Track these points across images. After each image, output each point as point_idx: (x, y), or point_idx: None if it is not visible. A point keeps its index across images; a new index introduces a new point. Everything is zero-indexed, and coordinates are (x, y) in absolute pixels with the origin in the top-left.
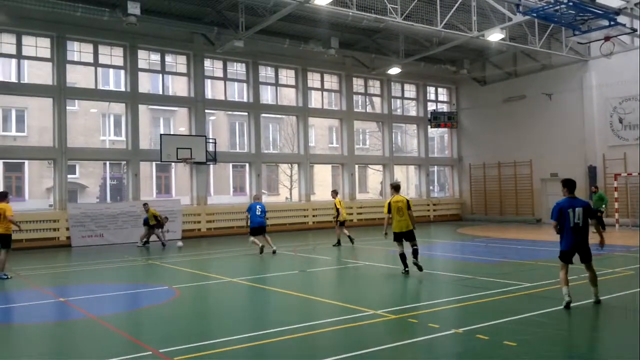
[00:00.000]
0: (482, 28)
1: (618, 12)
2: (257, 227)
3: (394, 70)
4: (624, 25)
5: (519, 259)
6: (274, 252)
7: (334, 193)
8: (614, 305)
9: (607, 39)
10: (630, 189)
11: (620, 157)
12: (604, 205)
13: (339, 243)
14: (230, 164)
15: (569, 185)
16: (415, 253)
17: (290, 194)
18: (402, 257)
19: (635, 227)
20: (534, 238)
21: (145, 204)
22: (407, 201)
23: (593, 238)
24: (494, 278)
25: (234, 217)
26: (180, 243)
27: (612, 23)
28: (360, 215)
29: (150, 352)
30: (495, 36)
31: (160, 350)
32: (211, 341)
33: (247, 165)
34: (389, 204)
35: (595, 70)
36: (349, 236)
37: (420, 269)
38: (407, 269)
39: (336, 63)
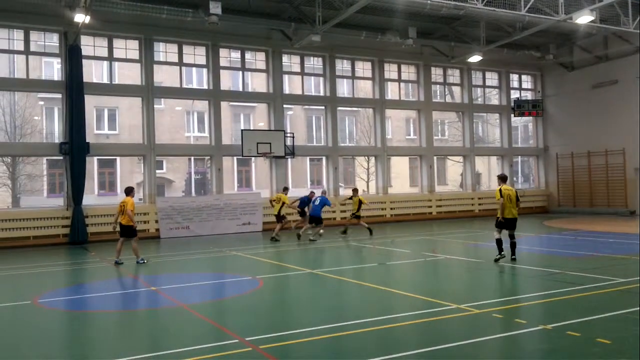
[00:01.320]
0: (570, 10)
1: None
2: (312, 216)
3: (475, 58)
4: None
5: (611, 253)
6: (310, 240)
7: (355, 191)
8: None
9: None
10: None
11: None
12: None
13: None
14: (308, 158)
15: None
16: (513, 247)
17: (368, 186)
18: (500, 242)
19: None
20: (628, 231)
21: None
22: (516, 192)
23: None
24: (584, 273)
25: None
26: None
27: None
28: (440, 208)
29: (237, 340)
30: (584, 18)
31: (247, 339)
32: (293, 331)
33: (324, 158)
34: (500, 190)
35: None
36: (368, 228)
37: (515, 260)
38: (503, 254)
39: (414, 53)
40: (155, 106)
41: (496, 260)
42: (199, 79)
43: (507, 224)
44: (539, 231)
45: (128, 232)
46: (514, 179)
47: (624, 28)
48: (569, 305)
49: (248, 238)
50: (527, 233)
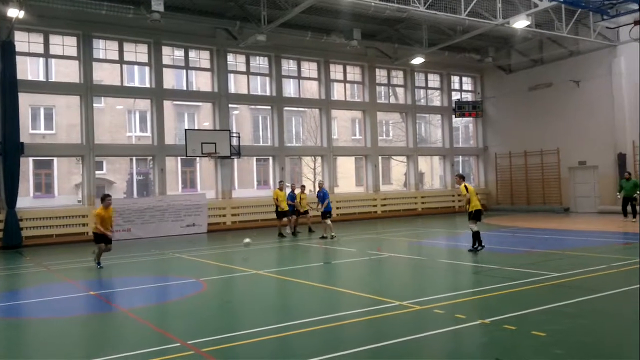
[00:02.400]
0: (507, 15)
1: None
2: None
3: (418, 60)
4: None
5: (547, 249)
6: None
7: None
8: None
9: (636, 22)
10: None
11: None
12: (638, 192)
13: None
14: (254, 158)
15: None
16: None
17: (314, 186)
18: (478, 234)
19: None
20: (562, 227)
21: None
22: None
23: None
24: (521, 268)
25: (259, 210)
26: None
27: None
28: (385, 207)
29: (179, 344)
30: (520, 23)
31: (189, 342)
32: (238, 333)
33: (270, 158)
34: (466, 186)
35: (625, 55)
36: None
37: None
38: (483, 244)
39: (358, 54)
40: (94, 105)
41: (476, 251)
42: (141, 77)
43: (477, 215)
44: (478, 228)
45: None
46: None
47: (557, 33)
48: (506, 300)
49: (192, 240)
50: (466, 230)
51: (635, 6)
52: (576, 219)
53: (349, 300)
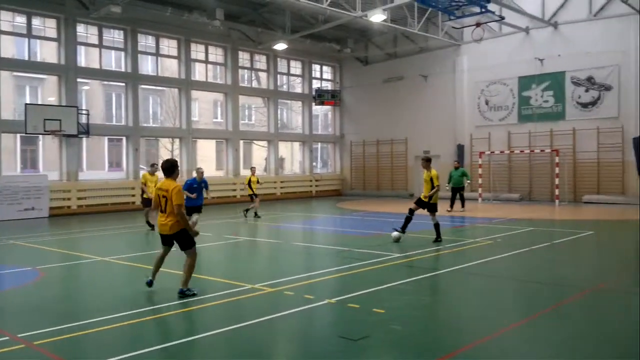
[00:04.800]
0: (366, 8)
1: (489, 0)
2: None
3: (280, 46)
4: (494, 12)
5: (392, 232)
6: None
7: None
8: (472, 272)
9: (477, 25)
10: (492, 166)
11: (485, 136)
12: (467, 181)
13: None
14: (106, 138)
15: None
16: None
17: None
18: (409, 220)
19: (495, 201)
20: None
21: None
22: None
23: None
24: (369, 249)
25: (109, 194)
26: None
27: (483, 10)
28: (244, 191)
29: (8, 338)
30: (377, 17)
31: (19, 335)
32: (76, 323)
33: (124, 139)
34: (437, 176)
35: (467, 54)
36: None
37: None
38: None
39: (221, 35)
40: None
41: (438, 241)
42: None
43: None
44: (332, 212)
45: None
46: (314, 164)
47: (410, 29)
48: (352, 280)
49: (31, 225)
50: (321, 214)
51: (477, 9)
52: None
53: (202, 285)
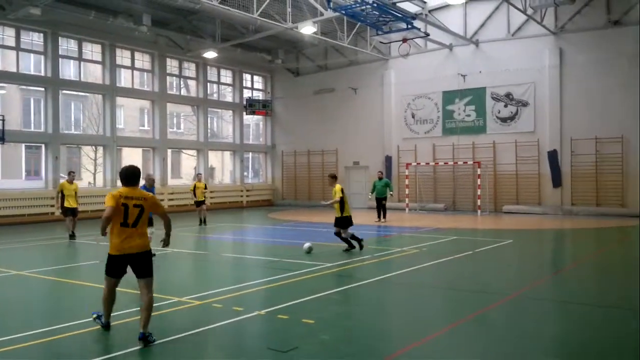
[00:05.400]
0: (296, 20)
1: (414, 17)
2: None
3: (210, 54)
4: (419, 29)
5: (324, 241)
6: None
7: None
8: (399, 281)
9: (404, 40)
10: (418, 177)
11: (412, 148)
12: (390, 192)
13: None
14: (23, 145)
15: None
16: (354, 239)
17: (94, 178)
18: (355, 237)
19: (422, 211)
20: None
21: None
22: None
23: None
24: (299, 260)
25: (27, 204)
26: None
27: (409, 26)
28: (172, 201)
29: None
30: (307, 29)
31: None
32: None
33: (43, 146)
34: (342, 189)
35: (395, 68)
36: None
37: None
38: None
39: (148, 42)
40: None
41: (355, 247)
42: None
43: (349, 222)
44: (263, 222)
45: None
46: (245, 173)
47: (340, 42)
48: (282, 290)
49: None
50: (252, 225)
51: (404, 25)
52: None
53: (124, 299)
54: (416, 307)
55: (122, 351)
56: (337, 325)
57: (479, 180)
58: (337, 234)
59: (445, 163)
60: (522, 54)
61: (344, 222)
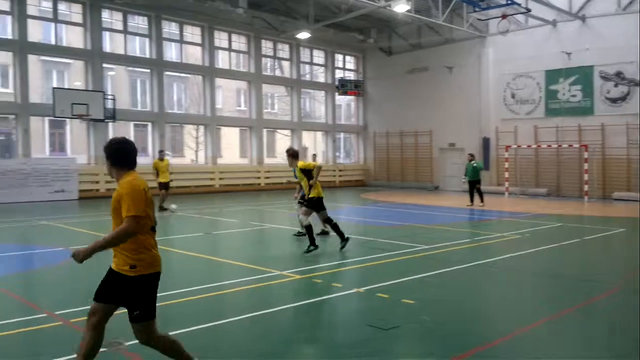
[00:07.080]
0: None
1: None
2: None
3: (303, 35)
4: (519, 5)
5: (418, 223)
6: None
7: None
8: (499, 266)
9: (503, 17)
10: (518, 160)
11: (512, 130)
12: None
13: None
14: (132, 123)
15: None
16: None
17: (197, 156)
18: (311, 228)
19: (523, 196)
20: (431, 204)
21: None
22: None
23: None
24: (394, 240)
25: None
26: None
27: (508, 2)
28: (268, 179)
29: (45, 315)
30: (401, 7)
31: (56, 312)
32: None
33: (149, 124)
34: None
35: (493, 46)
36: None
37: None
38: (317, 246)
39: (245, 23)
40: None
41: (309, 252)
42: (2, 28)
43: (320, 205)
44: (356, 203)
45: None
46: (337, 154)
47: (434, 20)
48: (379, 269)
49: (61, 207)
50: (346, 204)
51: (503, 1)
52: (444, 196)
53: (230, 270)
54: (518, 293)
55: (233, 318)
56: (437, 307)
57: (585, 165)
58: (327, 220)
59: (548, 146)
60: (634, 29)
61: (315, 203)
